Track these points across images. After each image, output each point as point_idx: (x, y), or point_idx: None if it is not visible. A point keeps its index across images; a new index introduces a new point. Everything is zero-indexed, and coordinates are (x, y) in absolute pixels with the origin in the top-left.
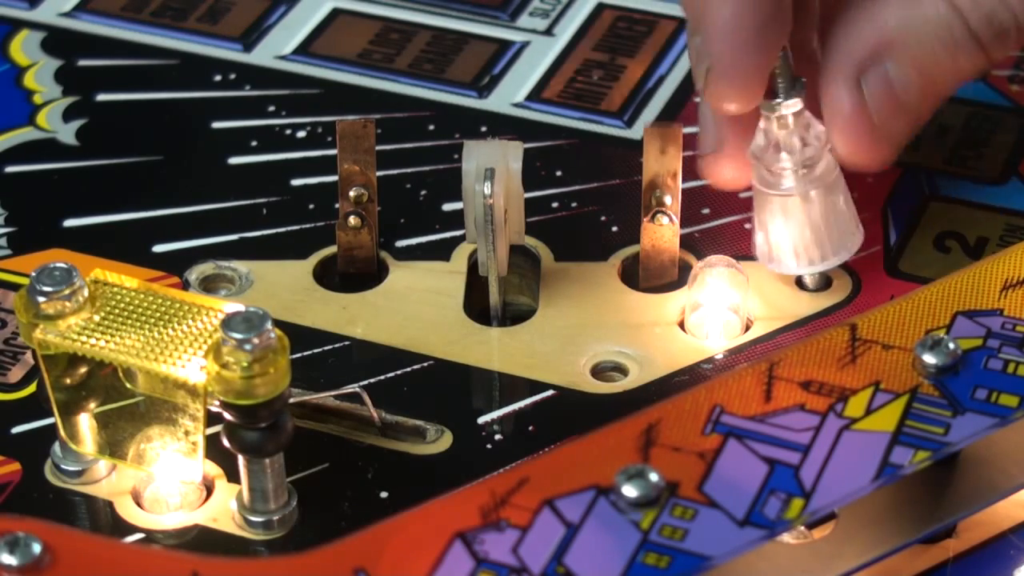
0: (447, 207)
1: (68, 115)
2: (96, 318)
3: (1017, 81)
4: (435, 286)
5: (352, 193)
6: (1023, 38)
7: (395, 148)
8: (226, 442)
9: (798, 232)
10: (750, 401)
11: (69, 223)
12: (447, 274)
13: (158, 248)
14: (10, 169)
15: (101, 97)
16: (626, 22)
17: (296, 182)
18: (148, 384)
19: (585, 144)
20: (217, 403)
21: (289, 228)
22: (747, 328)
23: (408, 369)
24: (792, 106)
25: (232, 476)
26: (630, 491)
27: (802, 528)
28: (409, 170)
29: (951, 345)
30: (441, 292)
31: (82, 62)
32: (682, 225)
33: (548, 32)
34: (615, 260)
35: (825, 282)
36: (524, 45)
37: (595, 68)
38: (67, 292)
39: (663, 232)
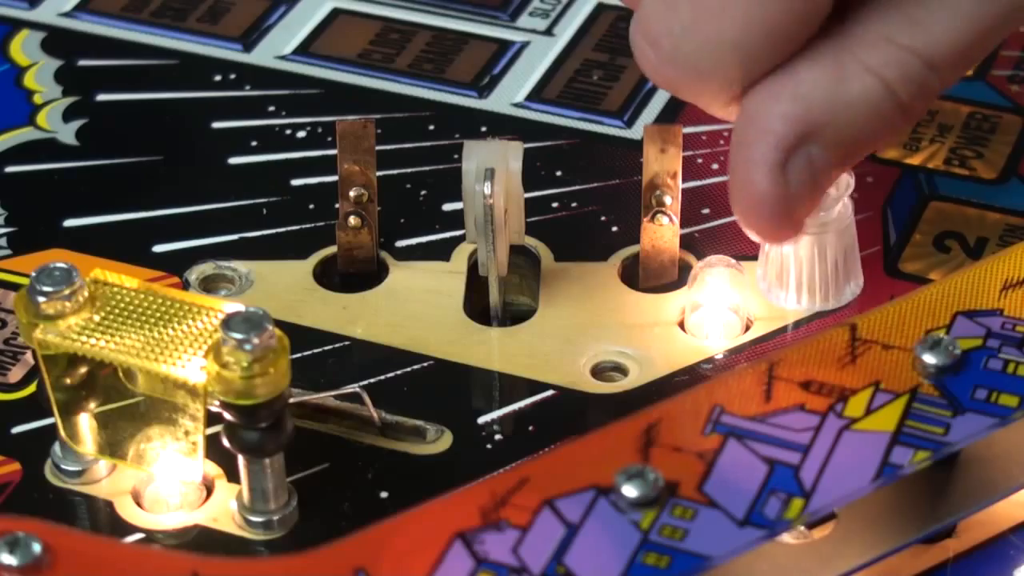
0: (447, 207)
1: (68, 115)
2: (96, 318)
3: (1017, 81)
4: (435, 286)
5: (352, 193)
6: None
7: (395, 148)
8: (226, 442)
9: (804, 271)
10: (750, 401)
11: (69, 223)
12: (447, 274)
13: (158, 248)
14: (10, 169)
15: (101, 97)
16: (626, 22)
17: (296, 182)
18: (148, 384)
19: (585, 144)
20: (217, 403)
21: (289, 228)
22: (747, 328)
23: (408, 369)
24: None
25: (232, 476)
26: (630, 491)
27: (802, 528)
28: (409, 170)
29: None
30: (441, 292)
31: (82, 62)
32: (682, 225)
33: (548, 32)
34: (615, 260)
35: None
36: (524, 45)
37: (595, 68)
38: (67, 292)
39: (663, 232)
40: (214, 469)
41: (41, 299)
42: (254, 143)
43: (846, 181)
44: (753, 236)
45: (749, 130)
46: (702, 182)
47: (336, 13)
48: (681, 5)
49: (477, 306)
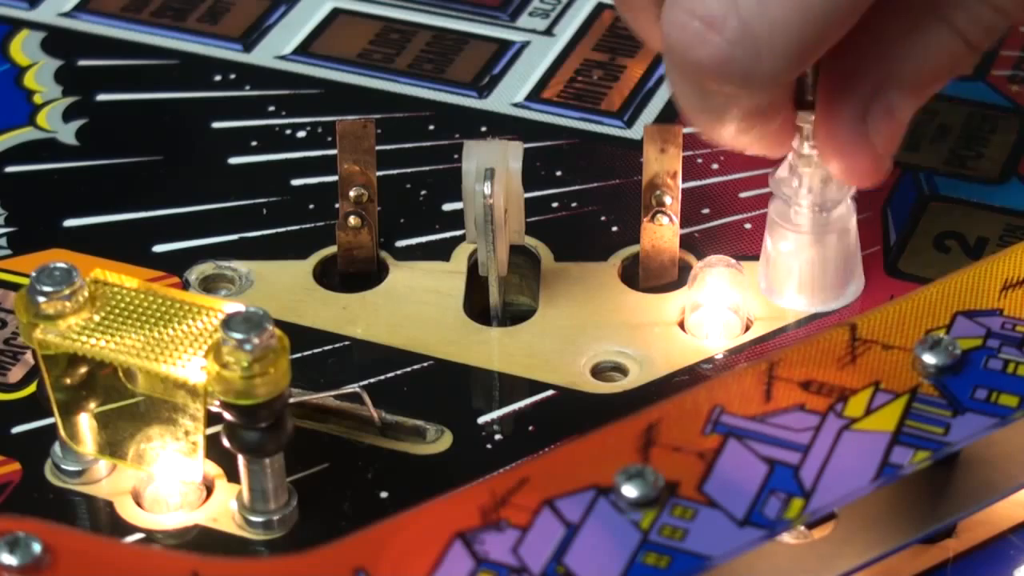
0: (447, 207)
1: (68, 115)
2: (96, 318)
3: (1017, 81)
4: (435, 286)
5: (352, 193)
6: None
7: (395, 148)
8: (226, 442)
9: (805, 270)
10: (750, 401)
11: (69, 223)
12: (447, 274)
13: (158, 248)
14: (10, 169)
15: (101, 97)
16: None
17: (296, 182)
18: (148, 384)
19: (585, 144)
20: (217, 403)
21: (289, 228)
22: (747, 328)
23: (408, 369)
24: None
25: (232, 476)
26: (630, 491)
27: (802, 528)
28: (409, 170)
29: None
30: (441, 292)
31: (82, 62)
32: (682, 225)
33: (548, 32)
34: (615, 260)
35: None
36: (524, 45)
37: (595, 68)
38: (67, 292)
39: (663, 232)
40: (214, 469)
41: (41, 299)
42: (254, 143)
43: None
44: (842, 176)
45: (834, 83)
46: (702, 182)
47: (336, 13)
48: None
49: (477, 306)
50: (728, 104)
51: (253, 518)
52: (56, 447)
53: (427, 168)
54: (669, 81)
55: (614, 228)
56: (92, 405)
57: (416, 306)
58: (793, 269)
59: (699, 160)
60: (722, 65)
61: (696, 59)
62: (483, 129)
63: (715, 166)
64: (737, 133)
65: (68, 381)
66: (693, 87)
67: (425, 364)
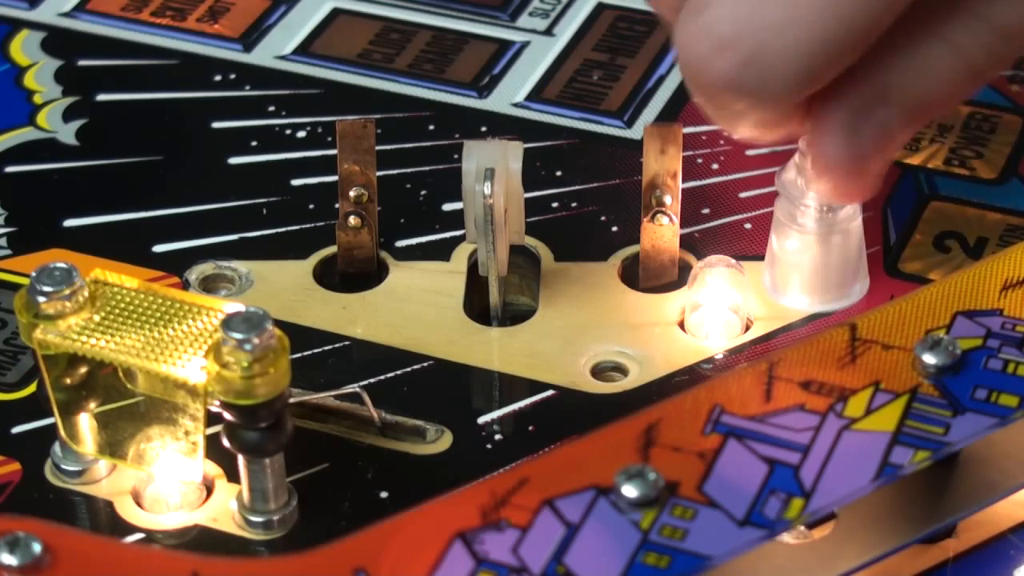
0: (447, 207)
1: (68, 115)
2: (96, 318)
3: (1017, 81)
4: (435, 286)
5: (352, 193)
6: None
7: (395, 148)
8: (226, 442)
9: (810, 271)
10: (750, 401)
11: (69, 223)
12: (447, 274)
13: (158, 248)
14: (10, 169)
15: (101, 97)
16: (626, 22)
17: (296, 182)
18: (148, 384)
19: (585, 144)
20: (217, 403)
21: (289, 228)
22: (747, 328)
23: (408, 369)
24: None
25: (232, 476)
26: (630, 491)
27: (802, 528)
28: (409, 170)
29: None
30: (441, 292)
31: (82, 62)
32: (682, 225)
33: (548, 32)
34: (615, 260)
35: None
36: (524, 45)
37: (595, 68)
38: (67, 292)
39: (663, 232)
40: (214, 469)
41: (41, 299)
42: (254, 143)
43: None
44: (829, 194)
45: (826, 95)
46: (702, 182)
47: (336, 13)
48: (769, 3)
49: (477, 306)
50: (742, 115)
51: (253, 518)
52: (56, 447)
53: (427, 168)
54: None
55: (614, 228)
56: (92, 405)
57: (416, 306)
58: (798, 269)
59: (699, 160)
60: (733, 84)
61: (708, 77)
62: (483, 129)
63: (715, 166)
64: (753, 136)
65: (68, 381)
66: (707, 99)
67: (425, 364)
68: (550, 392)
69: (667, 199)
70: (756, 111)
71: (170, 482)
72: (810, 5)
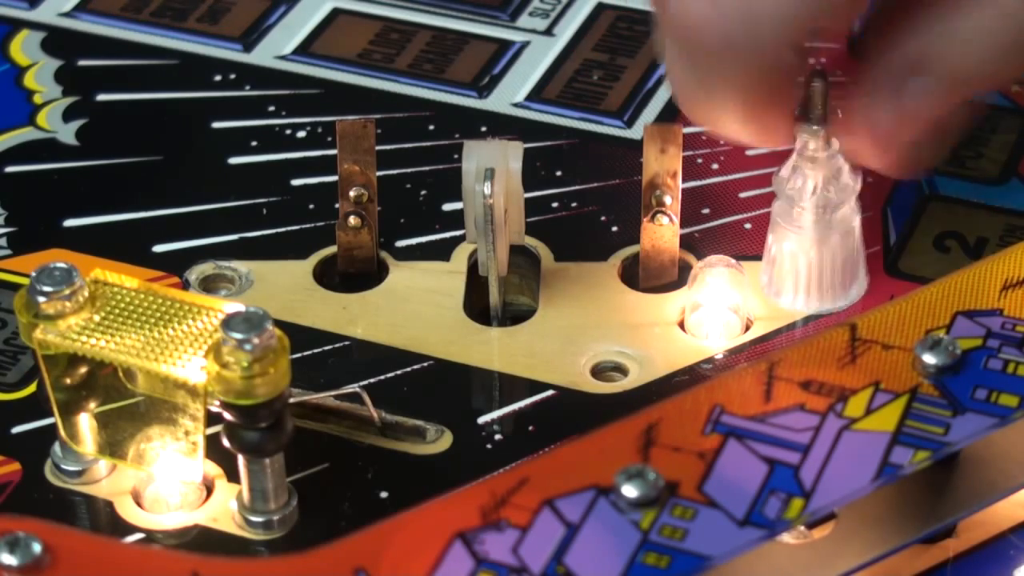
0: (447, 207)
1: (68, 115)
2: (96, 318)
3: (1017, 81)
4: (435, 286)
5: (352, 193)
6: None
7: (395, 148)
8: (226, 442)
9: (807, 271)
10: (750, 401)
11: (69, 223)
12: (447, 274)
13: (158, 248)
14: (10, 169)
15: (101, 97)
16: (626, 22)
17: (296, 182)
18: (148, 384)
19: (585, 144)
20: (217, 403)
21: (289, 228)
22: (747, 328)
23: (408, 369)
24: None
25: (232, 476)
26: (630, 491)
27: (802, 528)
28: (409, 170)
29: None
30: (441, 292)
31: (82, 62)
32: (682, 225)
33: (548, 32)
34: (615, 260)
35: None
36: (524, 45)
37: (595, 68)
38: (67, 292)
39: (663, 232)
40: (214, 469)
41: (41, 299)
42: (254, 143)
43: (853, 182)
44: (863, 161)
45: (871, 66)
46: (702, 182)
47: (336, 13)
48: None
49: (477, 306)
50: (727, 87)
51: (253, 518)
52: (56, 447)
53: (427, 168)
54: (669, 70)
55: (614, 228)
56: (92, 405)
57: (416, 306)
58: (796, 270)
59: (699, 160)
60: (724, 39)
61: (700, 40)
62: (483, 129)
63: (715, 166)
64: (736, 123)
65: (68, 381)
66: (692, 65)
67: (425, 364)
68: (550, 392)
69: (667, 199)
70: (745, 72)
71: (170, 482)
72: None
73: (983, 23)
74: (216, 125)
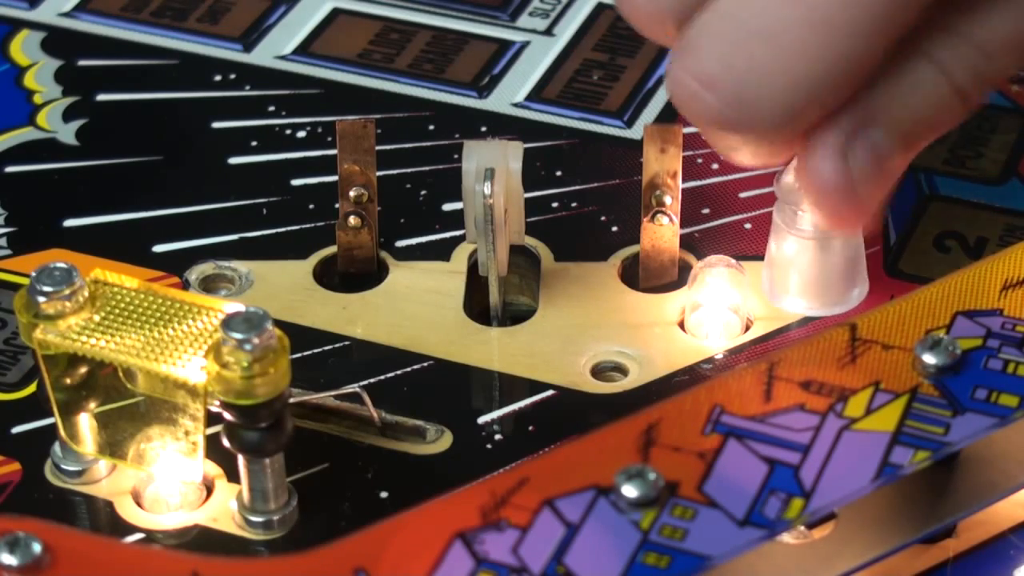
0: (447, 207)
1: (68, 115)
2: (96, 318)
3: (1017, 81)
4: (435, 286)
5: (352, 193)
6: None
7: (395, 148)
8: (226, 442)
9: (808, 275)
10: (750, 401)
11: (69, 223)
12: (447, 274)
13: (158, 248)
14: (10, 169)
15: (101, 97)
16: (626, 22)
17: (296, 182)
18: (148, 384)
19: (585, 144)
20: (217, 403)
21: (289, 228)
22: (747, 328)
23: (408, 369)
24: None
25: (232, 476)
26: (630, 491)
27: (802, 528)
28: (409, 170)
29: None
30: (441, 292)
31: (82, 62)
32: (682, 225)
33: (548, 32)
34: (615, 260)
35: None
36: (524, 45)
37: (595, 68)
38: (67, 292)
39: (663, 232)
40: (214, 469)
41: (41, 299)
42: (254, 143)
43: None
44: (825, 223)
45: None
46: (702, 182)
47: (336, 13)
48: (754, 46)
49: (477, 306)
50: (733, 147)
51: (253, 518)
52: (56, 447)
53: (427, 168)
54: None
55: (614, 228)
56: (92, 405)
57: (416, 306)
58: (796, 273)
59: (699, 160)
60: (718, 122)
61: (695, 115)
62: (483, 129)
63: (715, 166)
64: (750, 163)
65: (68, 381)
66: (700, 131)
67: (425, 364)
68: (550, 392)
69: (667, 199)
70: (746, 145)
71: (170, 482)
72: (792, 47)
73: (926, 82)
74: (216, 125)
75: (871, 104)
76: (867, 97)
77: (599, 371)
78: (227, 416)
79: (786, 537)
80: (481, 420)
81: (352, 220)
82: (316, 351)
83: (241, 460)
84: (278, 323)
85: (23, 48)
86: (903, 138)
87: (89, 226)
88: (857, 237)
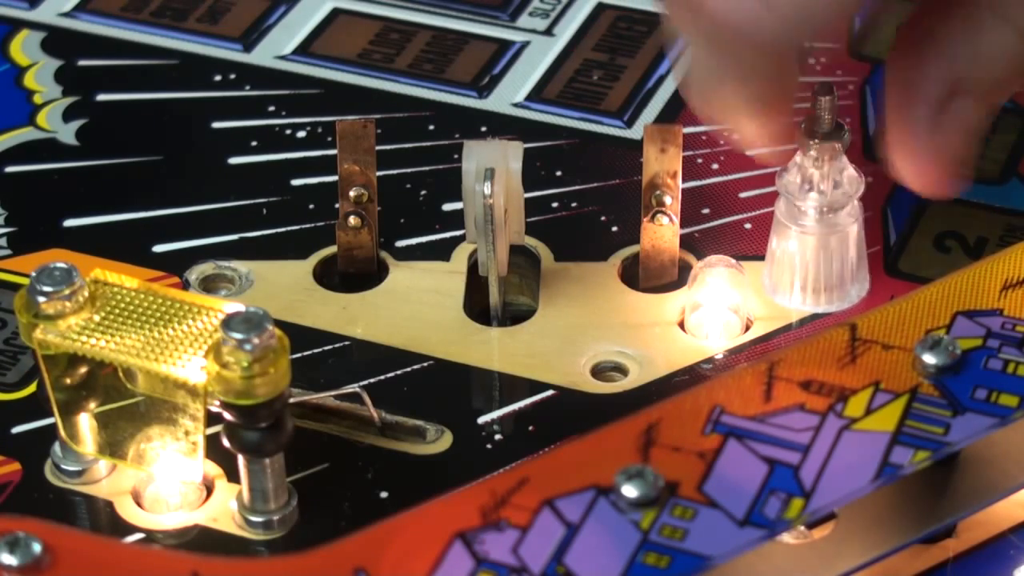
0: (447, 207)
1: (68, 115)
2: (96, 318)
3: None
4: (435, 286)
5: (352, 193)
6: None
7: (395, 148)
8: (226, 442)
9: (809, 270)
10: (750, 401)
11: (69, 223)
12: (447, 274)
13: (158, 248)
14: (10, 169)
15: (101, 97)
16: (626, 22)
17: (296, 182)
18: (148, 384)
19: (585, 144)
20: (217, 403)
21: (289, 228)
22: (747, 328)
23: (408, 369)
24: (829, 149)
25: (232, 476)
26: (630, 491)
27: (802, 528)
28: (409, 170)
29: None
30: (441, 292)
31: (82, 62)
32: (682, 225)
33: (548, 32)
34: (615, 260)
35: None
36: (524, 45)
37: (595, 68)
38: (67, 292)
39: (663, 232)
40: (214, 469)
41: (41, 299)
42: (254, 143)
43: (857, 183)
44: (918, 188)
45: (901, 94)
46: (702, 182)
47: (336, 13)
48: None
49: (477, 306)
50: (739, 76)
51: (253, 518)
52: (56, 447)
53: (427, 168)
54: (692, 61)
55: (614, 228)
56: (92, 405)
57: (416, 306)
58: (798, 269)
59: (699, 160)
60: (765, 30)
61: (718, 13)
62: (483, 129)
63: (715, 166)
64: (742, 112)
65: (68, 381)
66: (709, 52)
67: (425, 364)
68: (550, 392)
69: (667, 199)
70: (756, 63)
71: (170, 482)
72: None
73: (1005, 42)
74: (216, 125)
75: (953, 72)
76: (948, 67)
77: (599, 371)
78: (227, 416)
79: (786, 537)
80: (481, 420)
81: (352, 220)
82: (316, 351)
83: (241, 460)
84: (278, 323)
85: (23, 48)
86: (989, 100)
87: (89, 226)
88: (858, 234)
